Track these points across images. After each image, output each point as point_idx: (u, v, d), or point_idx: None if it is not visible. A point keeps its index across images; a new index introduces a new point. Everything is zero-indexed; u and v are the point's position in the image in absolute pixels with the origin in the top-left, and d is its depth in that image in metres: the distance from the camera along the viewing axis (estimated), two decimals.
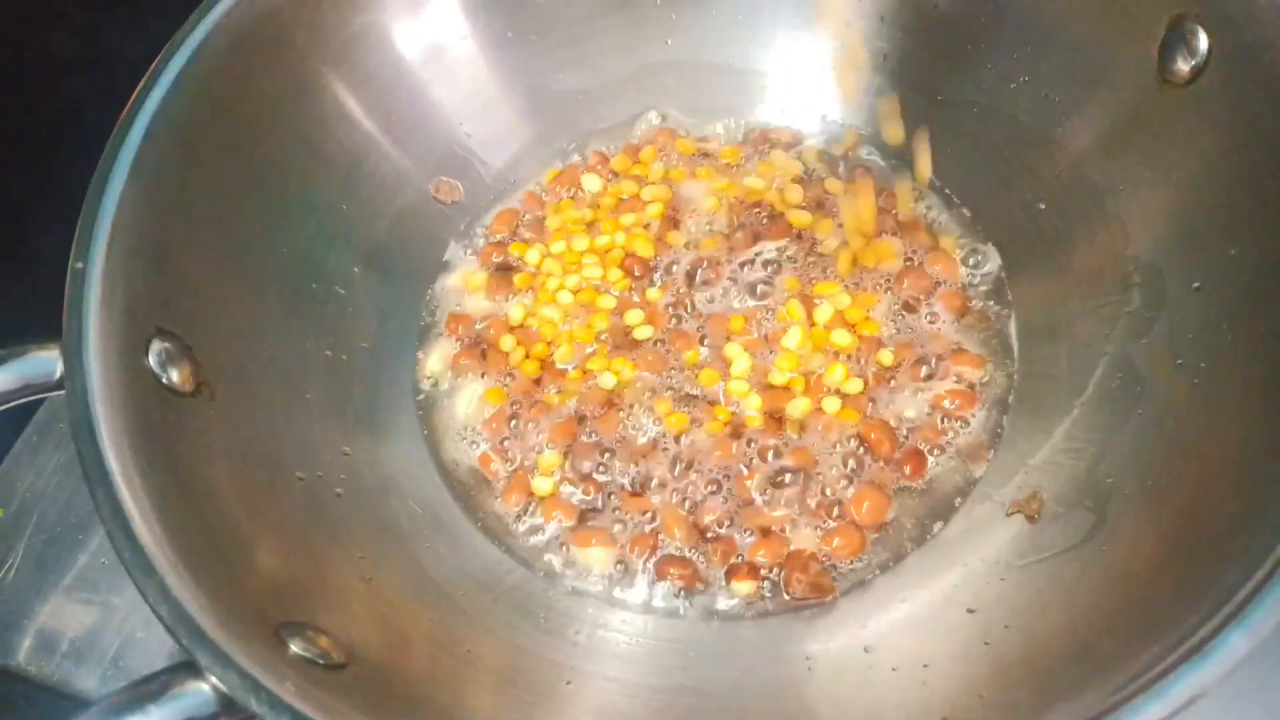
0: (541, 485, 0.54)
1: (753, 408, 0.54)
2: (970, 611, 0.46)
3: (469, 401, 0.58)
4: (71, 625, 0.58)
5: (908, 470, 0.53)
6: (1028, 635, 0.43)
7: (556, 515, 0.54)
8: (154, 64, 0.47)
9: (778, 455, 0.53)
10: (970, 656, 0.44)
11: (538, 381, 0.57)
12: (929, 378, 0.55)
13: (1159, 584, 0.39)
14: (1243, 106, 0.45)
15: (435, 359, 0.59)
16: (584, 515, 0.54)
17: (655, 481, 0.54)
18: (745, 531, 0.52)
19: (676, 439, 0.54)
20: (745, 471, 0.53)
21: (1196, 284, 0.47)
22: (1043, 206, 0.56)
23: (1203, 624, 0.34)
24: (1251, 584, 0.34)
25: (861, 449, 0.54)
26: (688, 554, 0.52)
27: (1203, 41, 0.46)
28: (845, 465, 0.53)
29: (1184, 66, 0.47)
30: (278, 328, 0.52)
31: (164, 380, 0.43)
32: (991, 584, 0.47)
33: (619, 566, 0.52)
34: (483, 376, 0.58)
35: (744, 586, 0.51)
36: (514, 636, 0.48)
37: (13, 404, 0.41)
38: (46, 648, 0.57)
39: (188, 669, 0.35)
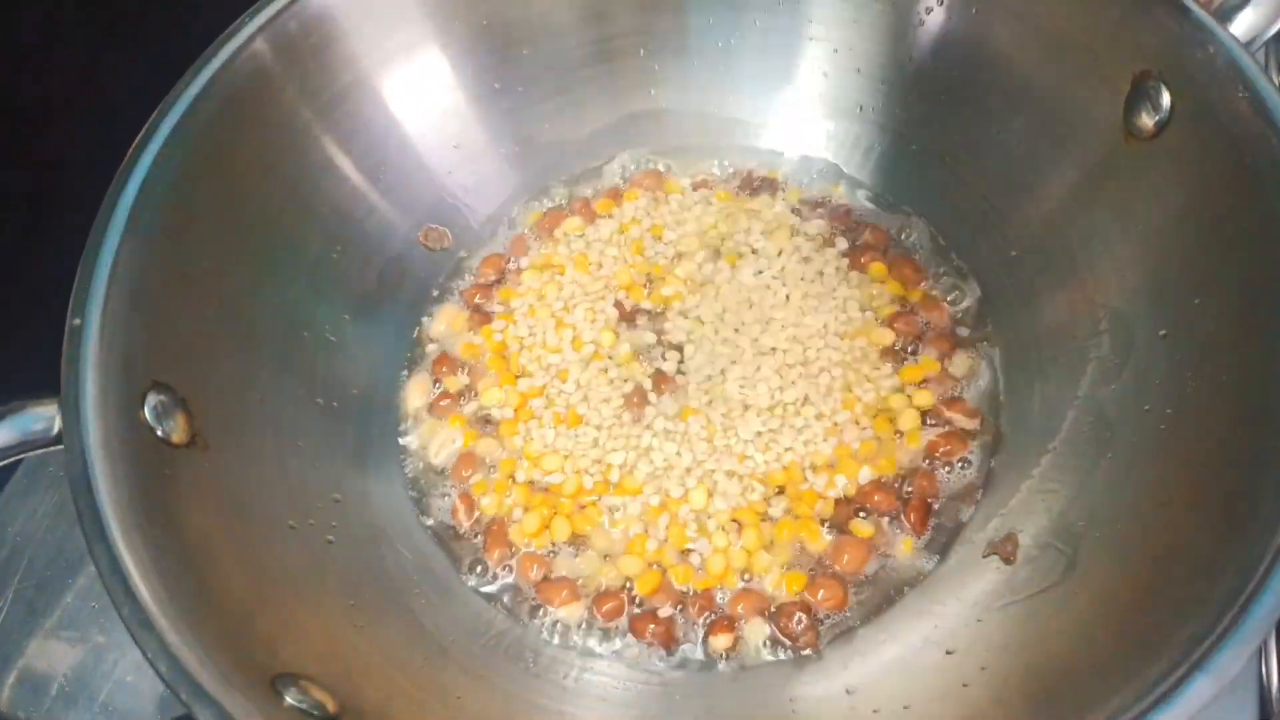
0: (518, 538, 0.55)
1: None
2: (949, 653, 0.47)
3: (449, 448, 0.58)
4: (61, 668, 0.58)
5: (912, 519, 0.53)
6: (1004, 677, 0.44)
7: (534, 569, 0.54)
8: (149, 121, 0.47)
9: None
10: (949, 698, 0.45)
11: (519, 427, 0.58)
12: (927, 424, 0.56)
13: (1128, 627, 0.40)
14: (1205, 160, 0.46)
15: (420, 404, 0.60)
16: (551, 571, 0.54)
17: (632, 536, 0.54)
18: (722, 588, 0.52)
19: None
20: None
21: (1163, 332, 0.48)
22: (1015, 254, 0.57)
23: (1170, 668, 0.35)
24: (1217, 629, 0.35)
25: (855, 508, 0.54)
26: (663, 611, 0.52)
27: (1165, 98, 0.47)
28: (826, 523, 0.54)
29: (1149, 121, 0.48)
30: (270, 377, 0.52)
31: (159, 433, 0.43)
32: (970, 626, 0.48)
33: (590, 625, 0.52)
34: (465, 422, 0.58)
35: (722, 641, 0.51)
36: (504, 683, 0.49)
37: (9, 460, 0.42)
38: (36, 690, 0.57)
39: None
